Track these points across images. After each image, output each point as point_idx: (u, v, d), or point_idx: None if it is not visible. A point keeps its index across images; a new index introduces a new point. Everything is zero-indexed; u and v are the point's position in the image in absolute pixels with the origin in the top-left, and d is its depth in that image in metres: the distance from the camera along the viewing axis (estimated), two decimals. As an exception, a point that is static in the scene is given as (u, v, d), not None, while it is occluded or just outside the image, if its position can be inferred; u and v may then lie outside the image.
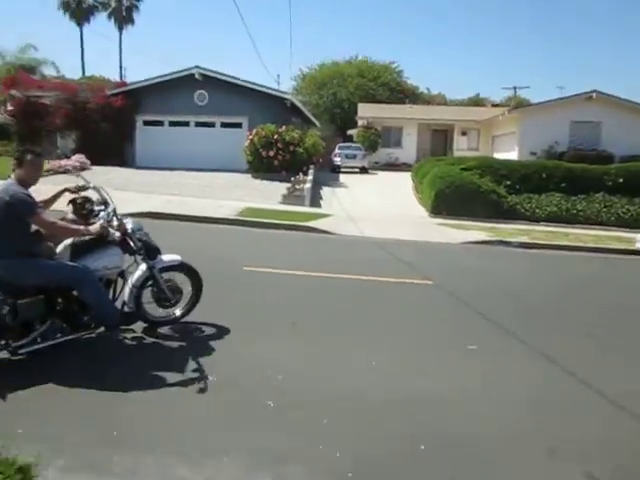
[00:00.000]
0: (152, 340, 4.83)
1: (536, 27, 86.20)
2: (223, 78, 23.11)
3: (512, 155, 25.17)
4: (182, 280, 5.05)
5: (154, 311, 4.95)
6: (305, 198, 16.96)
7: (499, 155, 26.40)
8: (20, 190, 3.96)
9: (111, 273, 4.51)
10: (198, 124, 24.06)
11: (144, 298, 4.85)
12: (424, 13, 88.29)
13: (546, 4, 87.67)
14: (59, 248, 4.33)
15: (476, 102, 43.64)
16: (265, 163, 21.10)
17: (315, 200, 18.12)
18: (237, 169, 21.80)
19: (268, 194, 17.93)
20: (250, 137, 21.33)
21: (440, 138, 32.91)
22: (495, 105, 36.16)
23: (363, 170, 27.68)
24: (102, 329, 4.50)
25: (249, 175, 21.36)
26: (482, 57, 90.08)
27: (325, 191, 20.65)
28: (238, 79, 23.04)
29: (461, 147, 31.37)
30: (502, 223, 16.57)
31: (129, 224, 4.63)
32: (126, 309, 4.70)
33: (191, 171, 21.40)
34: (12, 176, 4.07)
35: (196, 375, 4.14)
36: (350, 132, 34.40)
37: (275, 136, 20.82)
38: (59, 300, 4.25)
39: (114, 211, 4.54)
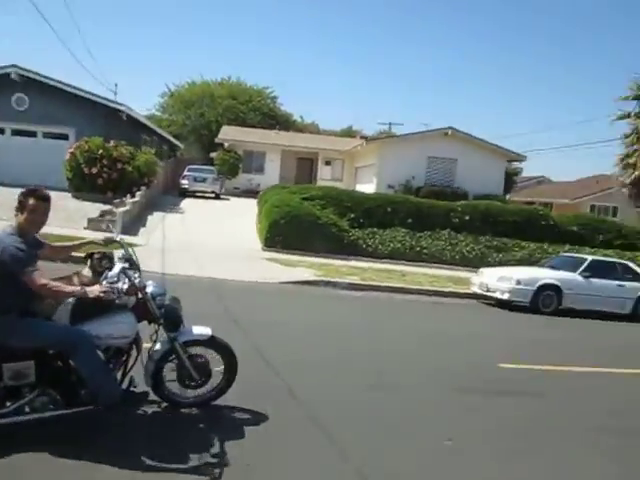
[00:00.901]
0: (171, 416, 4.23)
1: (414, 68, 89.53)
2: (46, 81, 20.02)
3: (370, 188, 24.28)
4: (212, 357, 4.35)
5: (178, 390, 4.28)
6: (116, 223, 14.38)
7: (361, 187, 25.48)
8: (13, 243, 3.51)
9: (118, 343, 3.87)
10: (15, 132, 20.67)
11: (167, 374, 4.23)
12: (305, 43, 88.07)
13: (422, 48, 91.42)
14: (59, 309, 3.74)
15: (348, 134, 43.32)
16: (88, 181, 18.21)
17: (134, 226, 15.58)
18: (59, 187, 18.65)
19: (77, 218, 15.13)
20: (71, 150, 18.39)
21: (305, 167, 31.65)
22: (364, 137, 35.68)
23: (216, 195, 25.48)
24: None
25: (69, 194, 18.32)
26: (360, 91, 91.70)
27: (154, 217, 18.16)
28: (64, 84, 20.08)
29: (325, 177, 30.26)
30: (341, 259, 15.08)
31: (149, 287, 4.07)
32: (132, 388, 3.98)
33: (3, 187, 17.97)
34: (13, 223, 3.65)
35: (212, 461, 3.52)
36: (213, 154, 32.17)
37: (100, 151, 18.06)
38: (55, 368, 3.70)
39: (123, 271, 3.88)
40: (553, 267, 12.76)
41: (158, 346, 4.15)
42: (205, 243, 14.67)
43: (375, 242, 16.37)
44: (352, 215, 16.79)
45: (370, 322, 8.96)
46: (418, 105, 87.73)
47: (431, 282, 13.36)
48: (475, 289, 12.46)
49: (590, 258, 12.59)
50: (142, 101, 75.32)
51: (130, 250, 4.13)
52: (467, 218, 18.05)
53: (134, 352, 4.00)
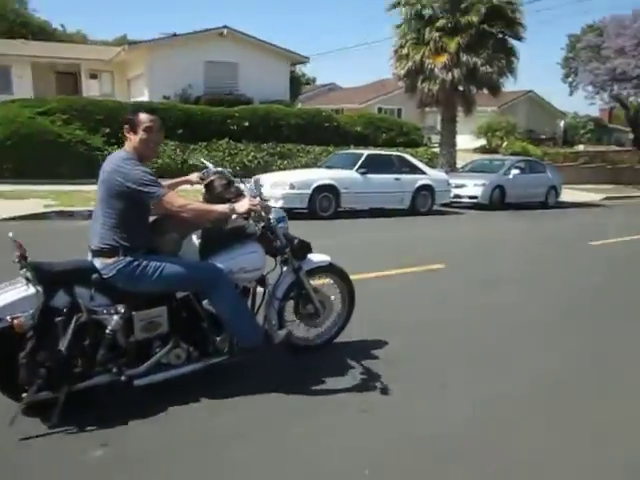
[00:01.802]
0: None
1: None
2: None
3: (144, 101, 21.12)
4: (327, 287, 3.87)
5: (297, 330, 3.71)
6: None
7: (135, 101, 22.14)
8: (136, 166, 2.92)
9: (249, 278, 3.35)
10: None
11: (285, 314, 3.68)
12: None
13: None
14: (184, 243, 3.18)
15: (122, 44, 38.13)
16: None
17: None
18: None
19: None
20: None
21: (68, 82, 26.68)
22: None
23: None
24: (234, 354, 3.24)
25: None
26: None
27: None
28: None
29: (93, 93, 25.90)
30: (95, 184, 12.44)
31: (271, 213, 3.35)
32: (266, 328, 3.48)
33: None
34: (125, 147, 3.06)
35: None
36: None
37: None
38: (186, 313, 3.14)
39: (258, 188, 3.72)
40: (330, 167, 11.70)
41: (282, 280, 3.57)
42: None
43: (139, 160, 13.88)
44: (108, 130, 13.92)
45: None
46: (201, 9, 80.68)
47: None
48: (250, 200, 10.93)
49: (366, 153, 11.71)
50: None
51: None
52: (247, 124, 16.33)
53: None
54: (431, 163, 19.77)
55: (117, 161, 2.93)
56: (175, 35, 22.77)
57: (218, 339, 3.17)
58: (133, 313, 2.91)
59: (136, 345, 2.95)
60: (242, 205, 3.01)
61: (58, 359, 2.68)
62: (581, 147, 30.74)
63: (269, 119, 16.94)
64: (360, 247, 7.94)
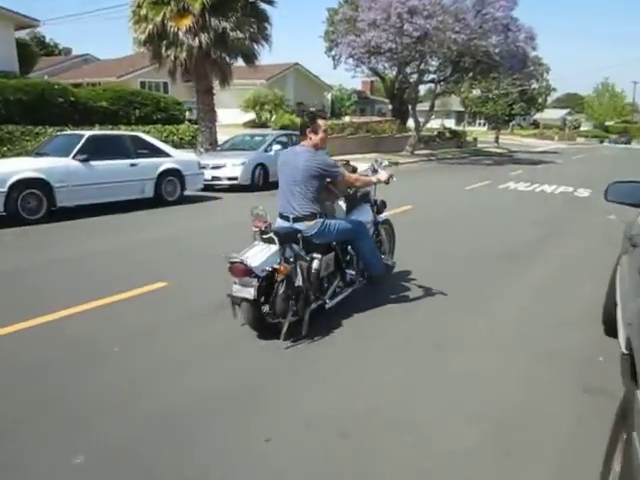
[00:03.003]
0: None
1: None
2: None
3: None
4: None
5: None
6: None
7: None
8: (325, 156, 4.26)
9: (369, 228, 4.90)
10: None
11: None
12: None
13: None
14: (335, 206, 4.59)
15: None
16: None
17: None
18: None
19: None
20: None
21: None
22: None
23: None
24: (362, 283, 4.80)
25: None
26: None
27: None
28: None
29: None
30: None
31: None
32: (385, 261, 5.21)
33: None
34: (304, 143, 4.22)
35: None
36: None
37: None
38: (337, 256, 4.50)
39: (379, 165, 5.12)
40: (41, 154, 9.14)
41: (371, 229, 5.00)
42: None
43: None
44: None
45: None
46: None
47: None
48: None
49: (87, 135, 9.26)
50: None
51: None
52: None
53: None
54: (194, 141, 17.99)
55: (309, 154, 4.12)
56: None
57: (353, 273, 4.66)
58: (322, 258, 4.18)
59: (321, 280, 4.27)
60: (382, 175, 4.72)
61: (300, 292, 3.90)
62: (347, 119, 31.60)
63: (-24, 95, 13.32)
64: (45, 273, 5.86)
